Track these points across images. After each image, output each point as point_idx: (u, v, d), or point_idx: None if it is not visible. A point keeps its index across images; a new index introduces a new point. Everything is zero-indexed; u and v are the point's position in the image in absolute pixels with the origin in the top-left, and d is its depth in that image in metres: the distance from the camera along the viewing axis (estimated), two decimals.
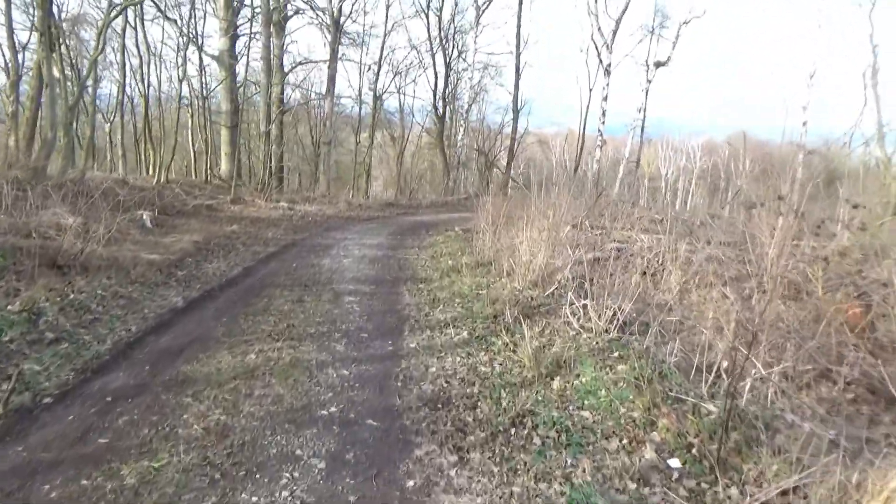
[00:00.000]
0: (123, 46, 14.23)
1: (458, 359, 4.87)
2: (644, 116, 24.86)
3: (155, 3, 17.32)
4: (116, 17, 11.32)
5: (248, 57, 23.44)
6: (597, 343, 4.94)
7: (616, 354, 4.62)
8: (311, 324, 5.66)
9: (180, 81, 17.19)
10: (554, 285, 6.68)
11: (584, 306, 5.53)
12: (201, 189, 17.90)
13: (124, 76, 15.02)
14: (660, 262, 8.56)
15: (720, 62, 65.53)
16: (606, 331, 5.16)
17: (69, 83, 13.54)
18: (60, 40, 12.93)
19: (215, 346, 4.78)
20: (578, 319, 5.44)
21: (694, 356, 4.39)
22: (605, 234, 10.71)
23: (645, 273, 8.09)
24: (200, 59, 19.98)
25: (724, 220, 10.54)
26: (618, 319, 5.16)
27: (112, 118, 16.45)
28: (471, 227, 14.09)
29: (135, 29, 16.91)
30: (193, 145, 21.58)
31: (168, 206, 12.69)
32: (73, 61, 13.25)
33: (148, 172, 17.68)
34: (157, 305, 5.87)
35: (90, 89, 12.55)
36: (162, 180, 16.74)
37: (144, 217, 10.26)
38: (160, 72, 22.74)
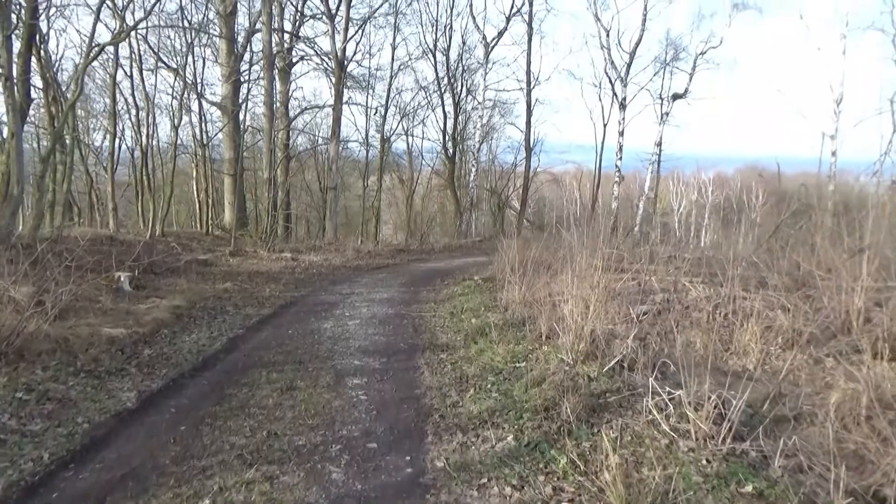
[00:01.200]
0: (114, 94, 13.16)
1: (508, 489, 3.31)
2: (660, 150, 23.54)
3: (153, 50, 16.36)
4: (94, 58, 10.15)
5: (250, 103, 22.57)
6: (707, 462, 3.37)
7: (749, 489, 3.04)
8: (302, 429, 4.11)
9: (175, 129, 16.02)
10: (615, 357, 5.13)
11: (673, 397, 3.97)
12: (200, 241, 16.61)
13: (115, 125, 13.90)
14: (722, 314, 7.03)
15: (736, 92, 64.44)
16: (712, 437, 3.59)
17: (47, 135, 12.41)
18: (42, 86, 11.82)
19: (156, 486, 3.24)
20: (668, 417, 3.88)
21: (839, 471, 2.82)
22: (641, 280, 9.19)
23: (709, 332, 6.59)
24: (200, 105, 18.96)
25: (771, 259, 8.94)
26: (730, 421, 3.57)
27: (114, 169, 15.39)
28: (490, 273, 12.61)
29: (130, 77, 15.90)
30: (198, 195, 20.42)
31: (157, 264, 11.31)
32: (57, 112, 12.19)
33: (154, 224, 16.45)
34: (98, 409, 4.35)
35: (73, 140, 11.42)
36: (158, 233, 15.47)
37: (122, 279, 8.85)
38: (158, 121, 21.83)
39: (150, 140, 17.07)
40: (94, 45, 9.81)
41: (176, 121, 16.36)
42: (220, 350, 6.29)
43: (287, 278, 12.10)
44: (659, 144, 23.04)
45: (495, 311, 8.32)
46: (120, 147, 20.45)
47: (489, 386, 5.12)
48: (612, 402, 4.26)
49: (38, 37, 10.55)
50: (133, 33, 13.13)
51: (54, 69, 12.69)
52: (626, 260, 10.81)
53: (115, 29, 12.88)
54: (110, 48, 13.18)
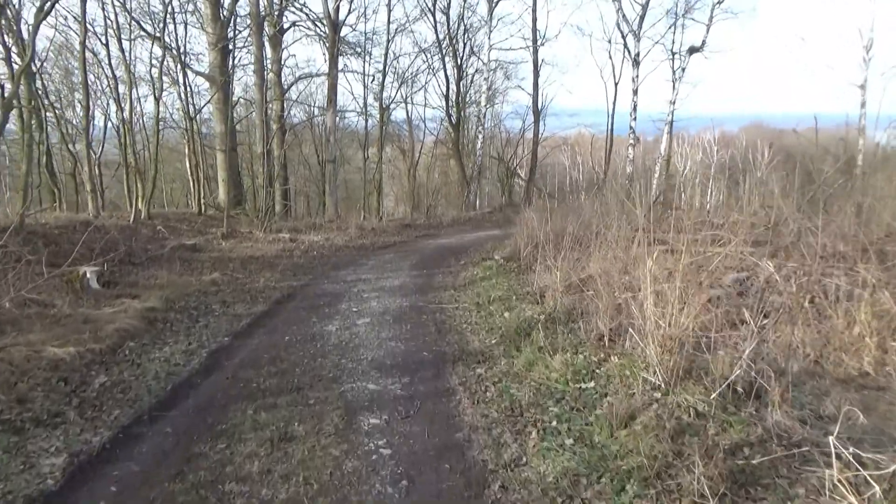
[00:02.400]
0: (83, 61, 11.49)
1: None
2: (673, 109, 21.76)
3: (129, 13, 14.58)
4: (46, 15, 8.48)
5: (241, 73, 20.88)
6: None
7: None
8: None
9: (157, 100, 14.38)
10: (725, 378, 3.69)
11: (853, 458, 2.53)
12: (191, 223, 15.08)
13: (87, 97, 12.25)
14: (808, 298, 5.59)
15: (753, 44, 61.69)
16: None
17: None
18: None
19: None
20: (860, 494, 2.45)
21: None
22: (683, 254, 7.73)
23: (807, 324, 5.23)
24: (185, 75, 17.22)
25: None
26: None
27: (88, 145, 13.78)
28: (510, 251, 11.14)
29: (106, 46, 14.17)
30: (190, 173, 18.81)
31: (136, 253, 9.84)
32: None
33: (140, 206, 14.91)
34: None
35: (30, 114, 9.82)
36: (143, 216, 13.95)
37: (88, 275, 7.39)
38: (143, 94, 20.12)
39: (132, 115, 15.45)
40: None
41: (157, 92, 14.68)
42: (197, 372, 4.84)
43: (285, 263, 10.63)
44: (673, 103, 21.29)
45: (530, 301, 6.87)
46: (106, 125, 18.93)
47: (555, 424, 3.68)
48: (762, 469, 2.81)
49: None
50: None
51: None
52: (660, 229, 9.39)
53: None
54: (76, 10, 11.49)
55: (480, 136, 20.20)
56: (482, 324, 6.26)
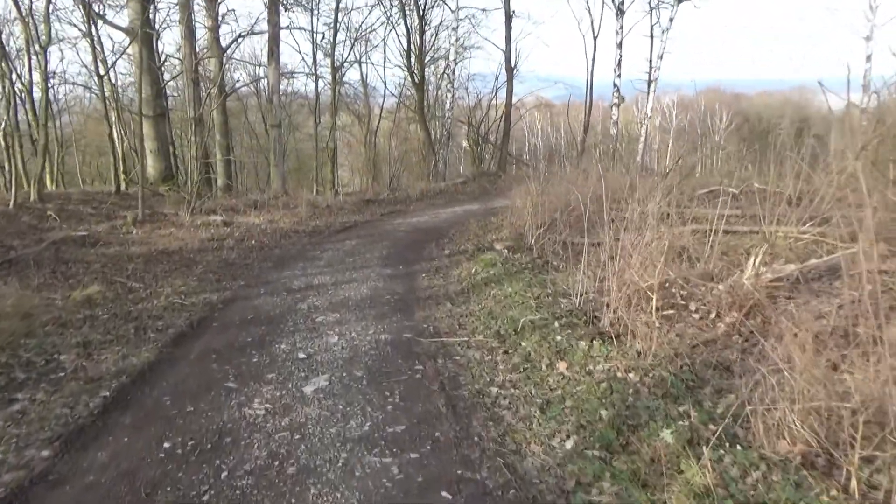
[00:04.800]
0: None
1: None
2: (658, 67, 19.12)
3: None
4: None
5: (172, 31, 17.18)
6: None
7: None
8: None
9: (42, 50, 10.83)
10: None
11: None
12: (98, 205, 11.71)
13: None
14: None
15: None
16: None
17: None
18: None
19: None
20: None
21: None
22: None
23: None
24: (92, 24, 13.52)
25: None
26: None
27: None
28: (509, 234, 8.39)
29: None
30: (119, 145, 15.15)
31: None
32: None
33: (30, 186, 11.37)
34: None
35: None
36: (33, 199, 10.57)
37: None
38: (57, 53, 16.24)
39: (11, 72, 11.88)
40: None
41: (40, 44, 11.03)
42: None
43: (209, 260, 7.59)
44: (660, 56, 18.63)
45: (583, 330, 4.14)
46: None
47: None
48: None
49: None
50: None
51: None
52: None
53: None
54: None
55: (449, 96, 17.09)
56: (528, 390, 3.47)
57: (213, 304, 5.60)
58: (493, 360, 3.99)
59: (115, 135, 14.14)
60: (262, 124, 23.41)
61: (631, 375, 3.26)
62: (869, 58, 16.72)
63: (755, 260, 3.94)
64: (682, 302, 4.03)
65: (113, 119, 14.25)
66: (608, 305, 4.12)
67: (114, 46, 16.73)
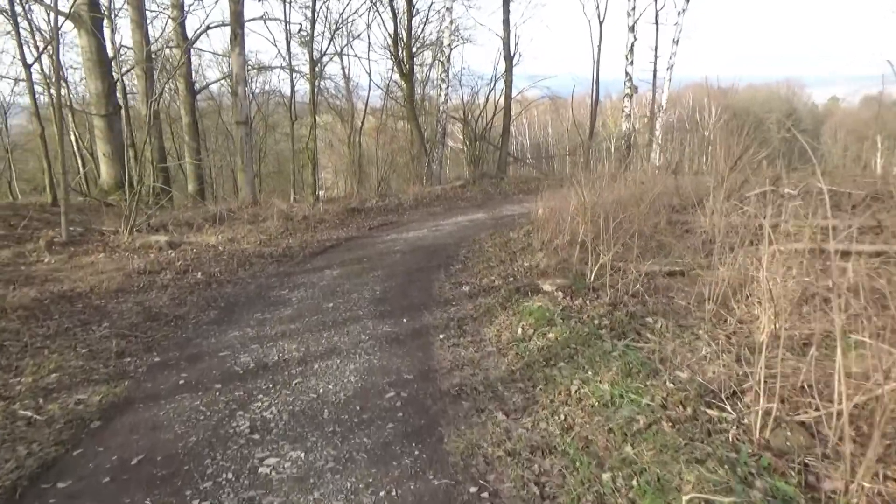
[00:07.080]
0: None
1: None
2: (674, 51, 16.88)
3: None
4: None
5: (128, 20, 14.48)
6: None
7: None
8: None
9: None
10: None
11: None
12: (20, 221, 9.13)
13: None
14: None
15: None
16: None
17: None
18: None
19: None
20: None
21: None
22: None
23: None
24: (15, 5, 10.83)
25: None
26: None
27: None
28: (554, 263, 5.97)
29: None
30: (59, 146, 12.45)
31: None
32: None
33: None
34: None
35: None
36: None
37: None
38: None
39: None
40: None
41: None
42: None
43: (125, 311, 5.08)
44: (676, 42, 16.36)
45: None
46: None
47: None
48: None
49: None
50: None
51: None
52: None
53: None
54: None
55: (444, 88, 14.58)
56: None
57: (84, 420, 3.11)
58: None
59: (44, 134, 11.45)
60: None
61: None
62: None
63: None
64: None
65: (41, 116, 11.57)
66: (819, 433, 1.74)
67: (56, 34, 14.06)
